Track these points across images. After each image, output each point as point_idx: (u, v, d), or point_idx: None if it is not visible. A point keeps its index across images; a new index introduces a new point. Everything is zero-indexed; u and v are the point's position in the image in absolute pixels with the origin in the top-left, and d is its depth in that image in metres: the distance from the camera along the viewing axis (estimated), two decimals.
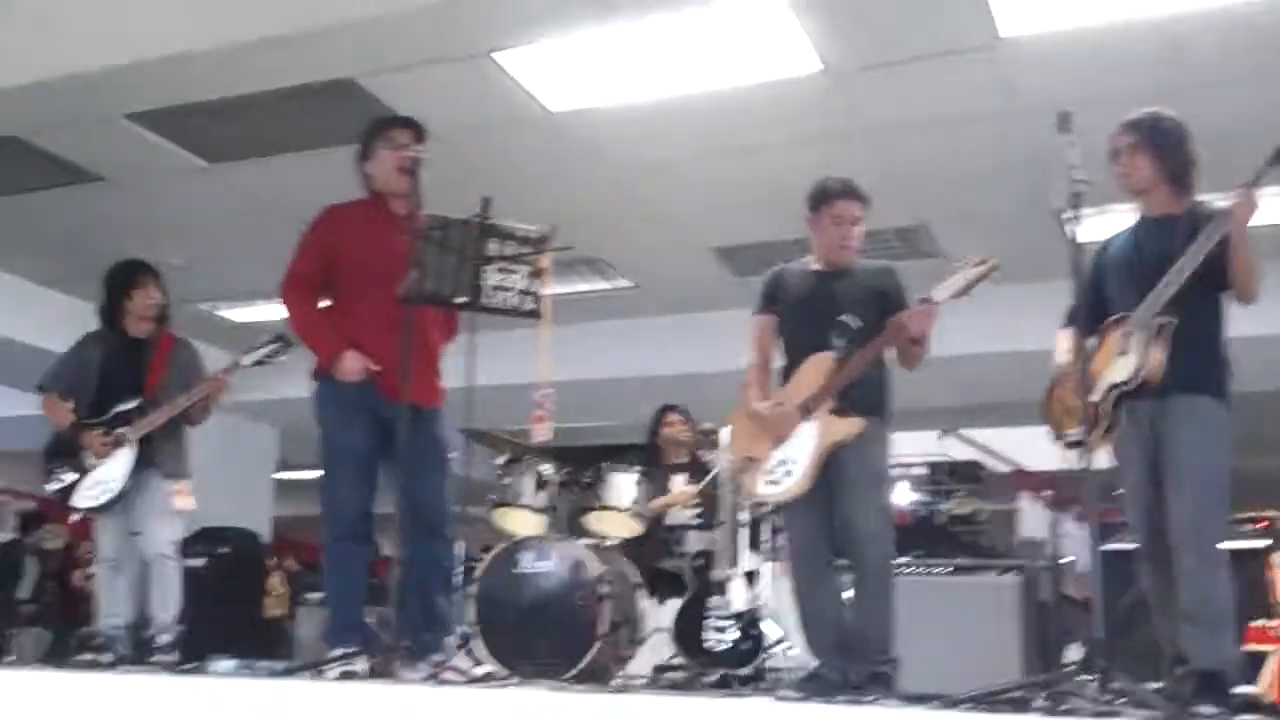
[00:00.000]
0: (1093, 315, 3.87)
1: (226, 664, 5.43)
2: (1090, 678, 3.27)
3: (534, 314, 4.21)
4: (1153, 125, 3.86)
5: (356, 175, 4.60)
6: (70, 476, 5.14)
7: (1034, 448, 10.02)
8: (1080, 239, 3.67)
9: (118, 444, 5.09)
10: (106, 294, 5.35)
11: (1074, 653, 6.15)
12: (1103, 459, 3.85)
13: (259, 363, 5.14)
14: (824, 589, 4.14)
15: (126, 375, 5.24)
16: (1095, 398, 3.78)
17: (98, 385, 5.24)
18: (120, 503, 5.11)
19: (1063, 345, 3.99)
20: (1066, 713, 3.06)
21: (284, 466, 12.70)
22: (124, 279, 5.32)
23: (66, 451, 5.19)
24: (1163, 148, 3.84)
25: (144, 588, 5.24)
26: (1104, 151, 3.92)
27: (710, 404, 6.11)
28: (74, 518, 5.28)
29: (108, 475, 5.09)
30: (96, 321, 5.41)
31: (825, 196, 4.22)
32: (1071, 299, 3.85)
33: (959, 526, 10.19)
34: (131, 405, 5.15)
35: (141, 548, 5.18)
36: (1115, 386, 3.76)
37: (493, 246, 4.12)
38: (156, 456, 5.15)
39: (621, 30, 5.49)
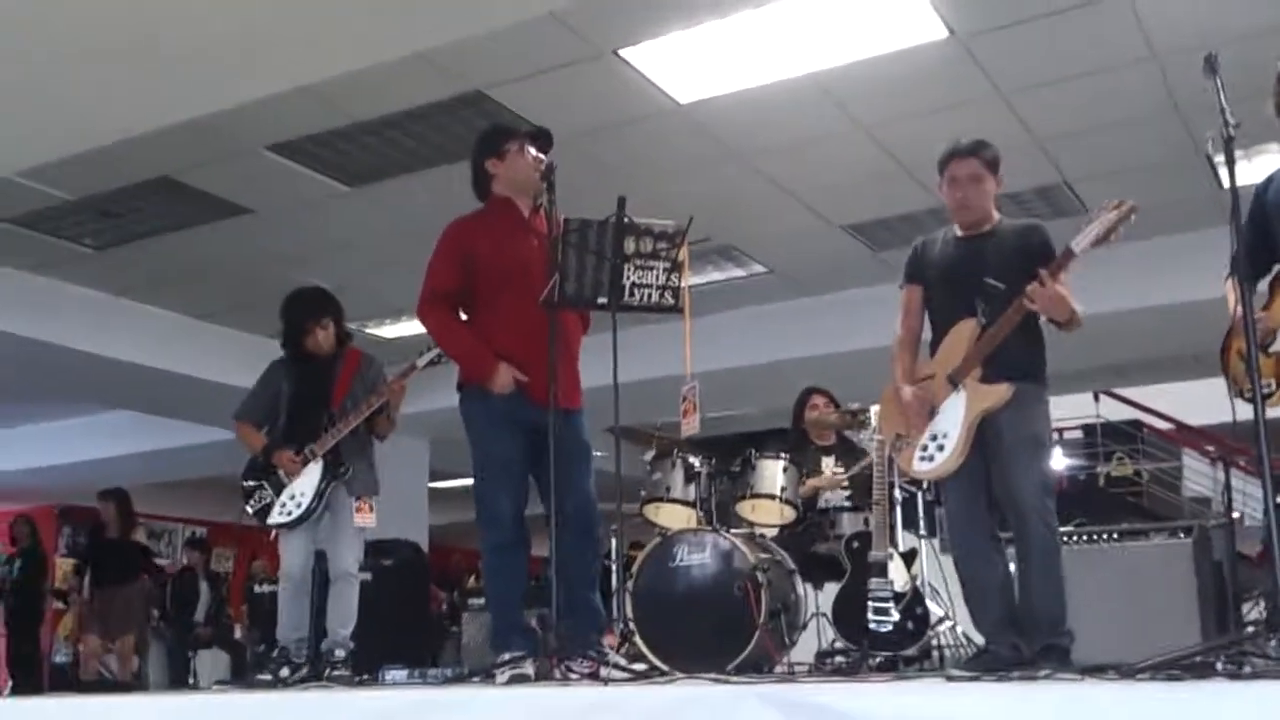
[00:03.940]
0: (1256, 258, 3.70)
1: (399, 673, 5.59)
2: (1273, 636, 3.13)
3: (675, 308, 4.22)
4: None
5: (474, 175, 4.59)
6: (268, 496, 5.32)
7: (1194, 402, 9.73)
8: (1236, 183, 3.49)
9: (306, 460, 5.26)
10: (285, 326, 5.50)
11: (1254, 611, 5.95)
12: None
13: (431, 363, 5.18)
14: (987, 563, 4.04)
15: (314, 396, 5.39)
16: (1277, 348, 3.60)
17: (288, 409, 5.41)
18: (310, 518, 5.28)
19: (1233, 295, 3.81)
20: (1250, 675, 2.94)
21: (434, 476, 12.99)
22: (301, 320, 5.45)
23: (262, 474, 5.37)
24: None
25: (322, 603, 5.40)
26: (1252, 91, 3.75)
27: (855, 383, 6.06)
28: (271, 536, 5.42)
29: (299, 490, 5.27)
30: (250, 351, 5.57)
31: (941, 162, 4.14)
32: (1233, 245, 3.67)
33: (1119, 489, 9.91)
34: (323, 422, 5.29)
35: (328, 565, 5.35)
36: None
37: (630, 244, 4.14)
38: (344, 469, 5.29)
39: (744, 15, 5.47)
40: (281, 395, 5.43)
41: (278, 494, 5.30)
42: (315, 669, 5.32)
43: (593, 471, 4.50)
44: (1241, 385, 3.77)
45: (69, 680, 9.39)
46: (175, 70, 5.25)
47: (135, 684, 9.45)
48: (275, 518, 5.28)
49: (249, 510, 5.36)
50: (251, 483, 5.38)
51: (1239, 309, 3.67)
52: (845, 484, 5.83)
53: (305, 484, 5.26)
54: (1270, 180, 3.87)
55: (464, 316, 4.57)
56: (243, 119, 6.11)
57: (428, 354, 5.17)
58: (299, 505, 5.24)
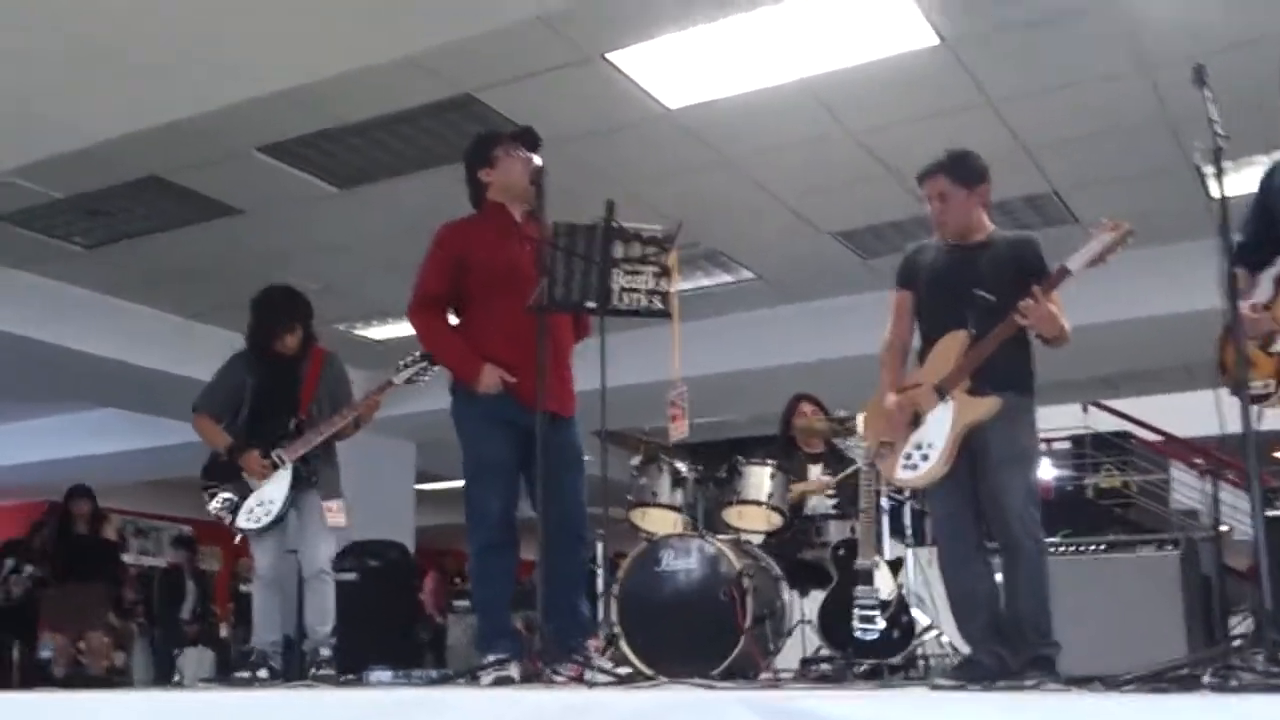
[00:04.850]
0: (1261, 249, 3.67)
1: (384, 674, 5.56)
2: (1259, 651, 3.12)
3: (663, 313, 4.21)
4: None
5: (468, 185, 4.60)
6: (231, 498, 5.26)
7: (1183, 414, 9.75)
8: (1225, 194, 3.48)
9: (275, 466, 5.23)
10: (255, 326, 5.43)
11: (1241, 626, 5.95)
12: (1270, 419, 3.64)
13: (409, 381, 5.21)
14: (973, 572, 4.03)
15: (279, 394, 5.35)
16: (1279, 348, 3.59)
17: (251, 405, 5.36)
18: (280, 523, 5.25)
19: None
20: (1236, 688, 2.94)
21: (422, 478, 12.96)
22: (272, 324, 5.39)
23: (224, 474, 5.31)
24: None
25: (300, 604, 5.37)
26: (1242, 102, 3.75)
27: (844, 391, 6.05)
28: (236, 539, 5.38)
29: (268, 496, 5.22)
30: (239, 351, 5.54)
31: (917, 182, 4.17)
32: (1235, 240, 3.61)
33: (1107, 500, 9.92)
34: (289, 426, 5.27)
35: (301, 565, 5.31)
36: None
37: (619, 249, 4.13)
38: (314, 476, 5.27)
39: (735, 20, 5.46)
40: (245, 390, 5.37)
41: (242, 496, 5.24)
42: (300, 668, 5.30)
43: (584, 479, 4.49)
44: (1239, 384, 3.74)
45: (48, 677, 9.31)
46: (165, 70, 5.24)
47: (115, 678, 9.41)
48: (243, 522, 5.23)
49: (211, 510, 5.29)
50: (213, 483, 5.32)
51: (1240, 303, 3.63)
52: (832, 491, 5.82)
53: (275, 491, 5.21)
54: (1276, 168, 3.85)
55: (455, 320, 4.56)
56: (232, 120, 6.09)
57: (404, 370, 5.18)
58: (268, 513, 5.20)
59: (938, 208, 4.12)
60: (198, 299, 9.27)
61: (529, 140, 4.49)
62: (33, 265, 8.62)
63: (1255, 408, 3.46)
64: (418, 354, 5.21)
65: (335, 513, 5.28)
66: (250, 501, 5.24)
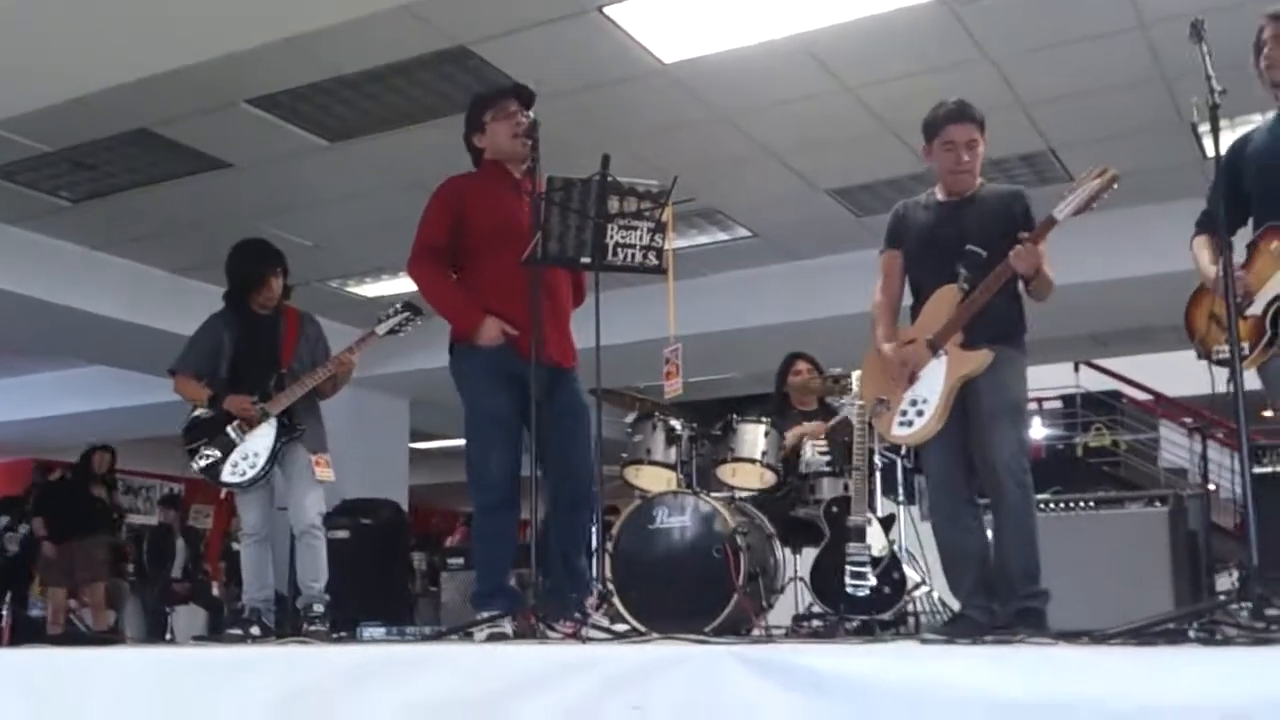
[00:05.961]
0: (1227, 214, 3.68)
1: (377, 630, 5.58)
2: (1244, 606, 3.15)
3: (658, 269, 4.20)
4: None
5: (467, 150, 4.62)
6: (214, 453, 5.23)
7: (1173, 374, 9.79)
8: (1220, 150, 3.47)
9: (260, 419, 5.19)
10: (239, 278, 5.38)
11: (1227, 582, 6.01)
12: (1254, 380, 3.66)
13: (392, 331, 5.19)
14: (964, 526, 4.04)
15: (259, 351, 5.30)
16: (1256, 311, 3.59)
17: (231, 362, 5.31)
18: (266, 477, 5.22)
19: (1205, 254, 3.80)
20: (1221, 642, 2.97)
21: (415, 437, 12.96)
22: (250, 275, 5.33)
23: (206, 431, 5.27)
24: None
25: (291, 560, 5.37)
26: (1239, 60, 3.73)
27: (838, 349, 6.05)
28: (222, 494, 5.36)
29: (253, 449, 5.18)
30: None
31: (934, 125, 4.08)
32: (1213, 205, 3.65)
33: (1096, 459, 9.97)
34: (271, 380, 5.21)
35: (291, 521, 5.30)
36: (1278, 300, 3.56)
37: (614, 204, 4.11)
38: (298, 428, 5.24)
39: None
40: (223, 349, 5.32)
41: (225, 452, 5.21)
42: (293, 624, 5.30)
43: (590, 434, 4.48)
44: (1209, 347, 3.76)
45: (41, 635, 9.35)
46: (153, 21, 5.17)
47: (112, 637, 9.44)
48: (228, 476, 5.19)
49: (195, 467, 5.25)
50: (196, 440, 5.27)
51: (1216, 269, 3.65)
52: (825, 449, 5.82)
53: (259, 444, 5.17)
54: (1248, 138, 3.86)
55: (454, 277, 4.54)
56: (222, 71, 6.03)
57: (386, 321, 5.15)
58: (253, 466, 5.16)
59: (966, 156, 4.04)
60: (186, 254, 9.20)
61: (521, 97, 4.47)
62: (18, 220, 8.54)
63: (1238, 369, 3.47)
64: (399, 305, 5.19)
65: (324, 466, 5.25)
66: (234, 455, 5.19)
